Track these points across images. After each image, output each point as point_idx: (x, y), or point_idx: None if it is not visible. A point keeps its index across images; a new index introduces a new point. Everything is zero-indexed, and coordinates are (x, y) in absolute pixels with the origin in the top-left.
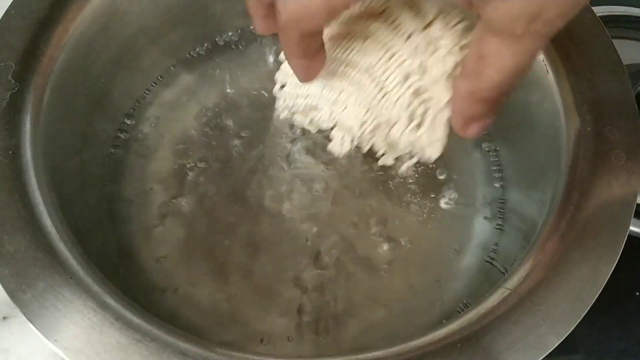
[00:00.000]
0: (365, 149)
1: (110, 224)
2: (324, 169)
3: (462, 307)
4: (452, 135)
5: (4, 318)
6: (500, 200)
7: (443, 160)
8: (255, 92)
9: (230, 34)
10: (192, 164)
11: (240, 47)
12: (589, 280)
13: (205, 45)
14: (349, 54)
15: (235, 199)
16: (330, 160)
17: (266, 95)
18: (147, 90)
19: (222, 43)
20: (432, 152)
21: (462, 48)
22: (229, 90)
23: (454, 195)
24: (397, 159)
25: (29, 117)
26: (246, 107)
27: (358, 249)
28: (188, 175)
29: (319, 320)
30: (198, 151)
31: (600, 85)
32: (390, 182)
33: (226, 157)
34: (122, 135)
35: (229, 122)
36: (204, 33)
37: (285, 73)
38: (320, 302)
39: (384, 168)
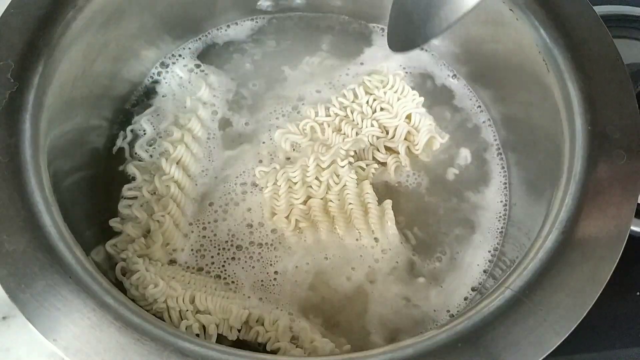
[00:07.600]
0: None
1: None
2: None
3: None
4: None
5: (4, 318)
6: (502, 201)
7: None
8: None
9: None
10: None
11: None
12: (589, 280)
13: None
14: None
15: None
16: None
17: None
18: (146, 89)
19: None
20: None
21: None
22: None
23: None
24: None
25: (28, 117)
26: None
27: None
28: None
29: None
30: None
31: (601, 84)
32: None
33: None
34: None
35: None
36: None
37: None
38: None
39: None
